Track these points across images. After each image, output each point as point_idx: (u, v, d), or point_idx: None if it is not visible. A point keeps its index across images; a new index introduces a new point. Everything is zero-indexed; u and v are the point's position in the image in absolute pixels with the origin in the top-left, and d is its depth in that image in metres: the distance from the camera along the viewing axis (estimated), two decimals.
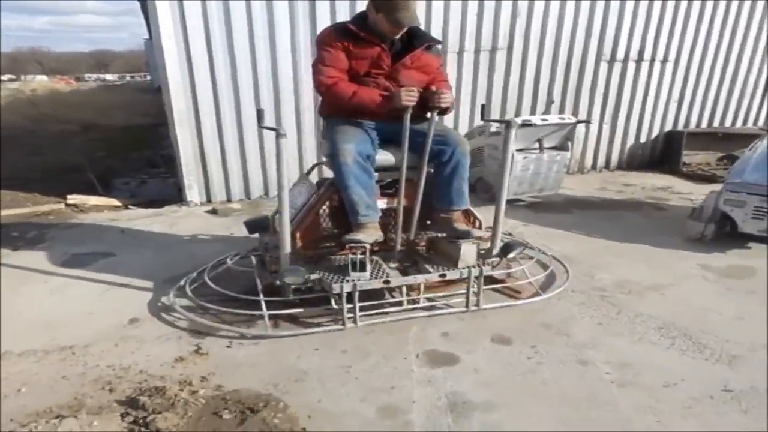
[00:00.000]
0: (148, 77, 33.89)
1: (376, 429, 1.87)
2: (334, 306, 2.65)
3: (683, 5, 6.07)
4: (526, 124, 4.61)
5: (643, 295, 3.00)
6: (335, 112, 2.74)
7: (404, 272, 2.76)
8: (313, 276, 2.59)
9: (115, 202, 5.24)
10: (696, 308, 2.83)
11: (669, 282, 3.17)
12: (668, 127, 6.72)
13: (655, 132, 6.71)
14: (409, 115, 2.55)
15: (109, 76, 53.26)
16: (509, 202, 4.77)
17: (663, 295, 3.01)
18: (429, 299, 2.86)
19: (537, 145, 4.81)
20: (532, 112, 5.90)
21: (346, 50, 2.63)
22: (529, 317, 2.73)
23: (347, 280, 2.52)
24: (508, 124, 2.77)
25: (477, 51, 5.51)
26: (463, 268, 2.72)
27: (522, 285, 3.06)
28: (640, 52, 6.15)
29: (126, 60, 68.71)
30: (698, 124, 6.82)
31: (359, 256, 2.53)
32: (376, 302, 2.75)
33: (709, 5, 6.17)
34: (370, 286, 2.59)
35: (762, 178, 3.67)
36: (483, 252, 2.88)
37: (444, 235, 2.89)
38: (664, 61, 6.31)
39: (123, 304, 2.87)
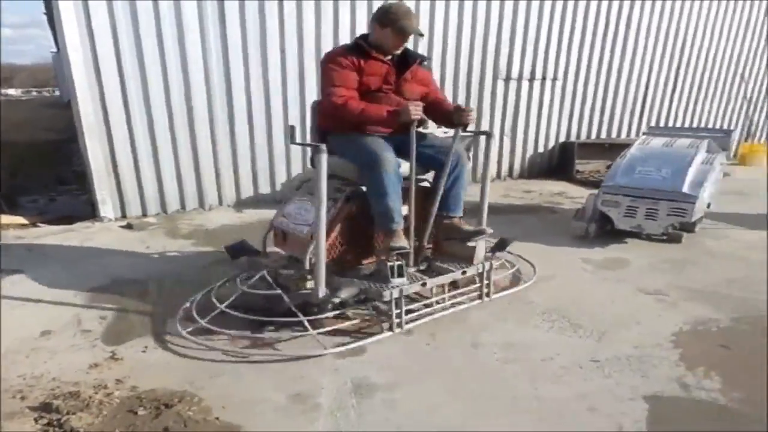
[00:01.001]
0: (57, 92, 31.96)
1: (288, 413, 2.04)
2: (380, 312, 2.78)
3: (567, 30, 6.77)
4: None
5: (532, 286, 3.36)
6: (345, 127, 2.84)
7: (422, 275, 2.94)
8: (362, 287, 2.70)
9: (21, 219, 5.02)
10: (575, 295, 3.21)
11: (554, 274, 3.55)
12: (562, 138, 7.38)
13: (551, 143, 7.34)
14: (414, 127, 2.75)
15: (12, 91, 49.38)
16: None
17: (549, 285, 3.39)
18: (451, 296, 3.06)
19: None
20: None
21: (357, 68, 2.80)
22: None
23: (392, 287, 2.63)
24: (487, 135, 3.26)
25: None
26: (478, 264, 3.01)
27: (498, 279, 3.31)
28: (532, 72, 6.77)
29: (31, 73, 64.04)
30: (588, 136, 7.54)
31: (396, 263, 2.68)
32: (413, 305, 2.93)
33: (590, 30, 6.92)
34: (412, 290, 2.77)
35: (631, 181, 4.22)
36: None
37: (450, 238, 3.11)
38: (554, 79, 6.98)
39: (34, 319, 2.85)
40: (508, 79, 6.65)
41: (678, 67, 7.80)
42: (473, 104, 6.48)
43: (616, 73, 7.37)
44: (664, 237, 4.22)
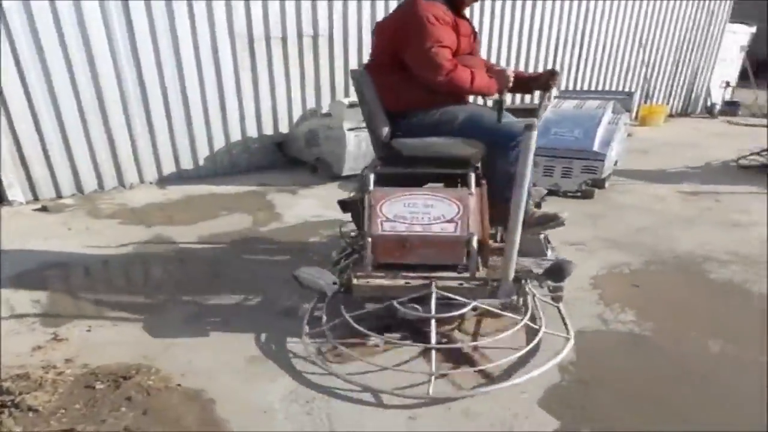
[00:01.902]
0: None
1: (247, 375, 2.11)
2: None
3: None
4: (354, 105, 4.93)
5: None
6: (440, 100, 2.39)
7: None
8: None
9: None
10: None
11: None
12: None
13: None
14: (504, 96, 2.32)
15: None
16: (348, 177, 5.23)
17: None
18: None
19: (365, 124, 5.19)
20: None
21: (454, 26, 2.32)
22: None
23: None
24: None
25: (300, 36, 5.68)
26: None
27: None
28: None
29: None
30: (512, 102, 7.81)
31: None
32: None
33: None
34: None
35: (547, 142, 4.51)
36: None
37: None
38: None
39: None
40: None
41: (583, 36, 8.28)
42: None
43: (527, 40, 7.69)
44: (579, 194, 4.58)
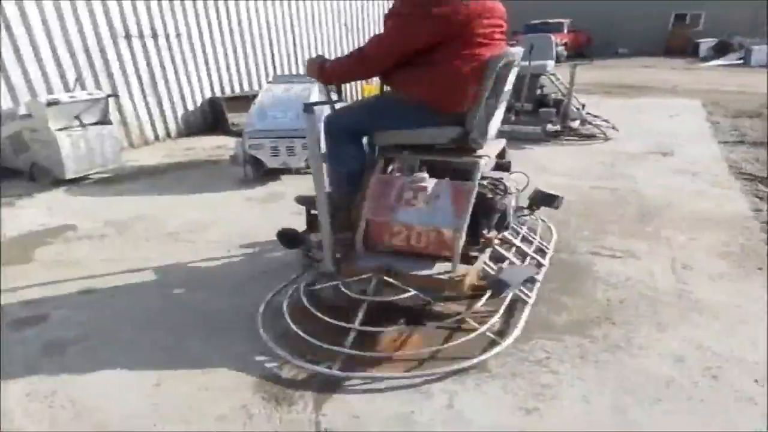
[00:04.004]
0: None
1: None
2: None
3: None
4: (52, 103, 4.70)
5: (208, 228, 3.81)
6: None
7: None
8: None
9: None
10: (245, 227, 3.78)
11: (226, 215, 4.07)
12: (208, 94, 7.78)
13: (199, 99, 7.67)
14: None
15: None
16: (75, 180, 4.98)
17: (219, 224, 3.87)
18: None
19: (78, 122, 4.95)
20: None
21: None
22: None
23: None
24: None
25: None
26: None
27: None
28: (153, 29, 6.81)
29: None
30: (232, 90, 8.13)
31: None
32: None
33: None
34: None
35: (267, 125, 4.90)
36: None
37: None
38: (178, 35, 7.17)
39: None
40: (129, 37, 6.57)
41: (292, 22, 8.95)
42: (99, 66, 6.27)
43: (238, 29, 8.00)
44: (309, 169, 5.12)
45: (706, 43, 20.65)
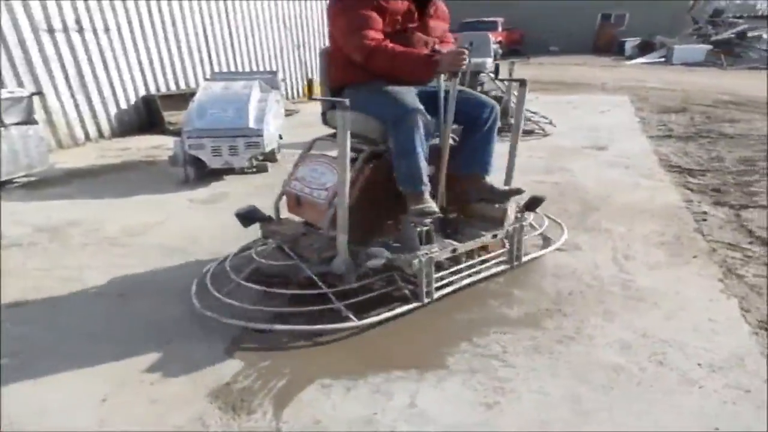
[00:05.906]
0: None
1: None
2: (407, 281, 2.61)
3: None
4: None
5: (150, 232, 3.64)
6: (368, 77, 2.46)
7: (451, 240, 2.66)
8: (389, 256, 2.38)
9: None
10: (189, 230, 3.64)
11: (168, 218, 3.88)
12: (143, 92, 7.41)
13: (133, 98, 7.30)
14: (455, 79, 2.37)
15: None
16: (7, 183, 4.66)
17: (161, 228, 3.71)
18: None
19: None
20: None
21: (378, 8, 2.40)
22: None
23: (421, 254, 2.39)
24: (522, 83, 2.93)
25: None
26: (510, 227, 2.78)
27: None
28: (78, 23, 6.42)
29: None
30: (168, 88, 7.78)
31: (425, 228, 2.43)
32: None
33: None
34: (442, 256, 2.53)
35: (207, 123, 4.73)
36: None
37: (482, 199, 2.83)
38: (106, 30, 6.79)
39: None
40: (51, 31, 6.14)
41: (228, 19, 8.68)
42: (21, 62, 5.82)
43: (171, 25, 7.68)
44: (254, 169, 5.03)
45: (630, 42, 21.83)
